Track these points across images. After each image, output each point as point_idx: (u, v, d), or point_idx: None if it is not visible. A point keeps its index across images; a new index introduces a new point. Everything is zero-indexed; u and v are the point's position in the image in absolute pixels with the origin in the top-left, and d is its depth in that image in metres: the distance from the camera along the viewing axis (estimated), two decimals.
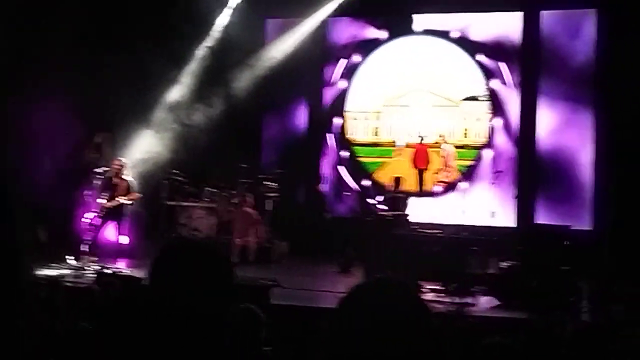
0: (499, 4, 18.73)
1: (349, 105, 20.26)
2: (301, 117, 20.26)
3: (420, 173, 18.71)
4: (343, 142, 20.22)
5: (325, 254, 16.76)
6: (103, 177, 15.41)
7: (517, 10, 18.72)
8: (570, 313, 11.84)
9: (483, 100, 19.17)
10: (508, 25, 18.83)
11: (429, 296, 12.63)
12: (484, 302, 12.82)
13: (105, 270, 13.92)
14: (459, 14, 19.17)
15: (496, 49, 18.90)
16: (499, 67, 18.89)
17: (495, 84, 18.95)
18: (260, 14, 19.24)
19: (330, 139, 20.22)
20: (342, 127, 20.26)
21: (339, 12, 19.57)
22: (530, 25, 18.54)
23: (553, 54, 18.21)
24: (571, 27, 18.18)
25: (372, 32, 20.05)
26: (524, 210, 17.76)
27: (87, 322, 7.26)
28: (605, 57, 17.27)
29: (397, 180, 16.44)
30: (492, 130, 19.03)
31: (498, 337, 4.95)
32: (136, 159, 17.47)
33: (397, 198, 15.71)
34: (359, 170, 19.85)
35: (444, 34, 19.45)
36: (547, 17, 18.42)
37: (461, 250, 13.37)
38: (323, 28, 19.87)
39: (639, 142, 15.50)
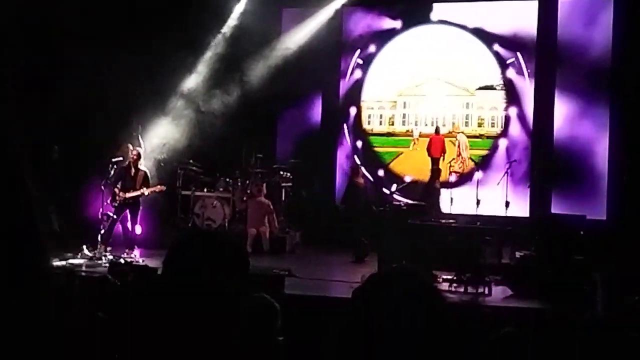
0: None
1: (365, 95, 20.26)
2: (316, 107, 20.26)
3: (437, 162, 18.70)
4: (358, 132, 20.21)
5: (339, 243, 16.77)
6: (119, 167, 15.46)
7: None
8: (585, 303, 11.82)
9: (498, 90, 19.13)
10: (524, 15, 18.75)
11: (443, 286, 12.63)
12: (498, 292, 12.81)
13: (120, 260, 14.01)
14: (475, 2, 19.11)
15: (512, 39, 18.85)
16: (515, 57, 18.83)
17: (511, 73, 18.90)
18: (276, 3, 19.20)
19: (346, 129, 20.22)
20: (358, 117, 20.26)
21: (354, 2, 19.55)
22: (546, 14, 18.46)
23: (569, 44, 18.14)
24: (588, 15, 18.09)
25: (387, 22, 20.02)
26: (538, 200, 17.73)
27: (101, 312, 7.30)
28: (622, 46, 17.20)
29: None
30: (507, 120, 18.99)
31: (510, 327, 4.95)
32: (152, 148, 17.53)
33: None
34: (374, 160, 19.84)
35: (459, 24, 19.39)
36: (564, 6, 18.33)
37: (475, 240, 13.33)
38: (338, 18, 19.83)
39: None
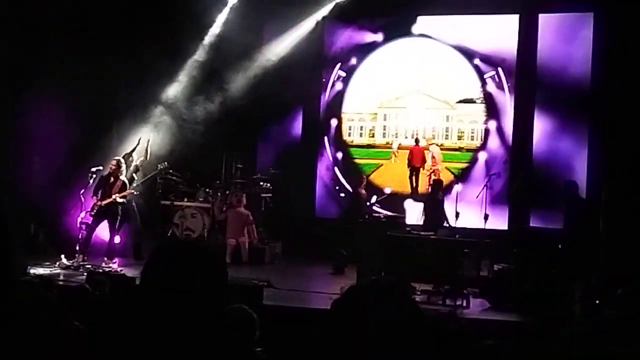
0: (497, 6, 18.71)
1: (345, 107, 20.30)
2: (297, 118, 20.26)
3: (416, 172, 18.77)
4: (339, 143, 20.24)
5: (319, 255, 16.76)
6: (98, 176, 15.43)
7: (514, 13, 18.75)
8: (563, 316, 11.86)
9: (478, 103, 19.21)
10: (505, 30, 18.85)
11: (421, 298, 12.66)
12: (476, 305, 12.84)
13: (97, 269, 13.95)
14: (457, 15, 19.17)
15: (493, 54, 18.95)
16: (495, 71, 18.92)
17: (491, 87, 18.99)
18: (259, 14, 19.17)
19: (327, 141, 20.24)
20: (338, 128, 20.29)
21: (336, 15, 19.58)
22: (527, 30, 18.57)
23: (549, 60, 18.24)
24: (568, 33, 18.20)
25: (368, 36, 20.07)
26: (517, 214, 17.79)
27: (79, 322, 7.26)
28: (601, 64, 17.31)
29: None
30: (486, 133, 19.07)
31: (490, 340, 4.95)
32: (132, 157, 17.49)
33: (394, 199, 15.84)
34: (354, 172, 19.85)
35: (440, 39, 19.47)
36: (544, 22, 18.44)
37: (454, 253, 13.36)
38: (319, 31, 19.85)
39: (634, 148, 15.51)
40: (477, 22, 19.17)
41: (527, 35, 18.56)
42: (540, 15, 18.49)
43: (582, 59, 17.88)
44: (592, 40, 17.79)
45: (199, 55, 19.23)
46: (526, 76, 18.58)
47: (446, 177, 18.70)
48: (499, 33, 18.94)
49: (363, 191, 17.06)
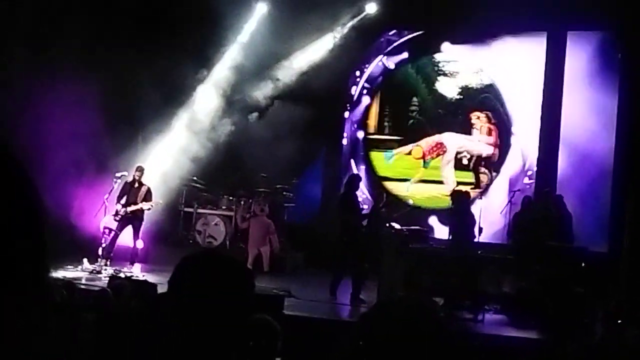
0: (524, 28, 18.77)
1: (371, 122, 20.30)
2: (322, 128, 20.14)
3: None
4: (363, 156, 20.24)
5: (341, 266, 16.74)
6: (122, 181, 15.53)
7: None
8: (584, 335, 11.80)
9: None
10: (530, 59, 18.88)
11: (443, 313, 12.61)
12: (497, 321, 12.80)
13: (119, 274, 14.02)
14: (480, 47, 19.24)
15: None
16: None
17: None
18: (287, 22, 19.11)
19: (349, 152, 20.24)
20: (364, 142, 20.28)
21: (364, 28, 19.53)
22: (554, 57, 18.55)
23: (575, 84, 18.15)
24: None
25: (394, 51, 20.07)
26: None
27: (100, 324, 7.30)
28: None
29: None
30: (508, 148, 19.07)
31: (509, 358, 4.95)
32: (157, 164, 17.56)
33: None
34: (377, 185, 19.78)
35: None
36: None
37: (476, 268, 13.33)
38: (346, 43, 19.73)
39: None
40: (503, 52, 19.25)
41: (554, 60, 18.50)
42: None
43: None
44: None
45: (227, 62, 19.19)
46: (552, 100, 18.51)
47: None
48: (524, 60, 18.94)
49: (382, 209, 16.79)
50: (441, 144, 19.57)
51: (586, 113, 17.86)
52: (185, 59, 17.52)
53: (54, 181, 15.60)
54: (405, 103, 20.11)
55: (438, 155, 19.54)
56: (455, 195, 14.83)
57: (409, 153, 19.94)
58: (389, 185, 19.74)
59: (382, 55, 20.17)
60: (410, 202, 19.03)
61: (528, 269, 13.69)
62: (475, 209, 16.03)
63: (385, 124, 20.35)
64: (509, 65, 19.10)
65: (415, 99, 19.99)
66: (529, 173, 18.68)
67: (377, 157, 20.26)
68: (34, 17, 15.67)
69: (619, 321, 12.33)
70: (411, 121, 20.03)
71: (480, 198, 16.76)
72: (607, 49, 17.72)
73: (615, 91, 17.69)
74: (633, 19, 16.61)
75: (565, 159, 18.20)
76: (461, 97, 19.56)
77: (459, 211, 14.31)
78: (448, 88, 19.69)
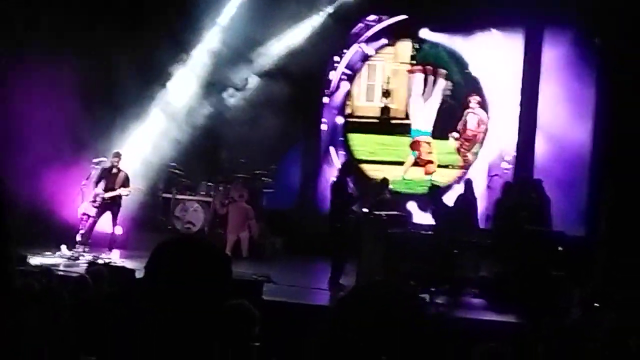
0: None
1: (351, 107, 20.29)
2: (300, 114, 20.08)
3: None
4: (343, 142, 20.22)
5: (319, 251, 16.74)
6: (100, 168, 15.46)
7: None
8: (561, 318, 11.88)
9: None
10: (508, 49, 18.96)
11: (422, 297, 12.66)
12: (476, 305, 12.86)
13: (97, 260, 13.97)
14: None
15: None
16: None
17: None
18: (266, 9, 18.98)
19: (330, 138, 20.22)
20: (344, 127, 20.26)
21: (342, 14, 19.46)
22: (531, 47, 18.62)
23: (553, 73, 18.22)
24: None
25: (373, 35, 20.04)
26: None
27: (78, 311, 7.28)
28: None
29: (385, 180, 16.43)
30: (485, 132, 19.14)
31: (493, 343, 4.97)
32: (135, 149, 17.48)
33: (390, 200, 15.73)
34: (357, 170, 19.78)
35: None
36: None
37: (454, 253, 13.38)
38: (324, 29, 19.63)
39: (634, 160, 15.58)
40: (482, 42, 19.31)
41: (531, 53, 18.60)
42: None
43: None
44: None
45: (206, 46, 19.02)
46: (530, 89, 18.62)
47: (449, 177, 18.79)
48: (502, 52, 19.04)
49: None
50: None
51: (564, 101, 17.93)
52: (163, 42, 17.38)
53: (31, 168, 15.53)
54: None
55: None
56: (432, 190, 15.06)
57: None
58: (367, 168, 19.77)
59: (360, 40, 20.11)
60: (390, 187, 19.03)
61: (506, 253, 13.74)
62: (454, 193, 16.11)
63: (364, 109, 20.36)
64: (487, 53, 19.13)
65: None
66: (507, 158, 18.72)
67: (356, 139, 20.24)
68: (7, 2, 15.58)
69: (596, 304, 12.43)
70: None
71: (459, 183, 16.78)
72: (584, 39, 17.75)
73: (592, 80, 17.77)
74: (607, 14, 16.68)
75: (542, 146, 18.27)
76: None
77: (439, 205, 14.49)
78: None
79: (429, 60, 19.81)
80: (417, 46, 19.90)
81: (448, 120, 19.57)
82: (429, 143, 19.61)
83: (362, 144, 20.17)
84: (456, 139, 19.32)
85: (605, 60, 17.27)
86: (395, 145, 20.04)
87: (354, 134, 20.26)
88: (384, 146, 20.10)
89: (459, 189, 16.33)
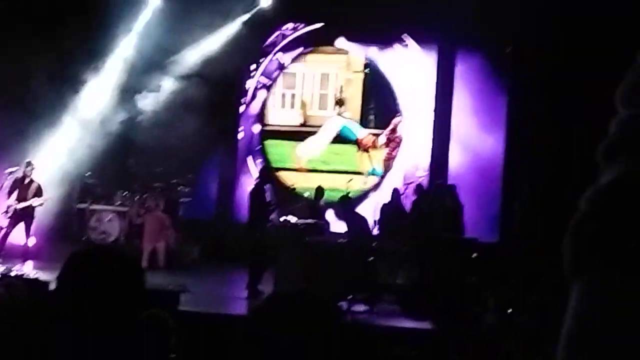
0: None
1: (269, 116, 20.34)
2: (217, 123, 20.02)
3: None
4: (260, 150, 20.22)
5: (237, 260, 16.71)
6: (13, 177, 15.19)
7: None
8: (475, 324, 12.07)
9: (398, 117, 19.48)
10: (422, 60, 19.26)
11: (340, 305, 12.72)
12: (392, 312, 12.97)
13: (9, 273, 13.70)
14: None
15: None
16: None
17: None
18: (181, 17, 18.88)
19: (245, 145, 20.22)
20: (260, 135, 20.27)
21: (258, 21, 19.49)
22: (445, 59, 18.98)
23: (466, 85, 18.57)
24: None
25: (290, 43, 20.11)
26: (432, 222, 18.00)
27: None
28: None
29: (319, 190, 16.51)
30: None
31: (404, 348, 5.04)
32: (48, 159, 17.21)
33: (314, 206, 15.82)
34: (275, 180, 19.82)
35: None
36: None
37: (371, 260, 13.49)
38: (241, 36, 19.62)
39: (544, 166, 15.93)
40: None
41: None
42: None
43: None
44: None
45: (120, 53, 18.85)
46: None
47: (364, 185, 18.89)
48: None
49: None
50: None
51: (476, 112, 18.33)
52: (77, 49, 17.19)
53: None
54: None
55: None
56: (340, 200, 15.18)
57: None
58: (284, 176, 19.81)
59: (277, 50, 20.16)
60: (307, 194, 19.10)
61: (421, 260, 13.89)
62: (369, 203, 16.24)
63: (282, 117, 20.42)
64: (401, 64, 19.38)
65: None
66: (422, 166, 18.95)
67: (272, 146, 20.26)
68: None
69: (509, 310, 12.66)
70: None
71: (375, 191, 16.94)
72: (497, 50, 18.10)
73: (504, 91, 18.13)
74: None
75: (456, 155, 18.58)
76: None
77: (347, 214, 14.61)
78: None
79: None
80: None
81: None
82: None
83: (279, 152, 20.19)
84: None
85: (516, 70, 17.62)
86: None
87: (269, 140, 20.28)
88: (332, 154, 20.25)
89: (377, 197, 16.43)
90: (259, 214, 14.42)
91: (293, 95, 20.41)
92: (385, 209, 15.66)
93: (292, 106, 20.39)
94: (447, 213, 15.48)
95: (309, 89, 20.31)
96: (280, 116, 20.47)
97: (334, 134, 19.90)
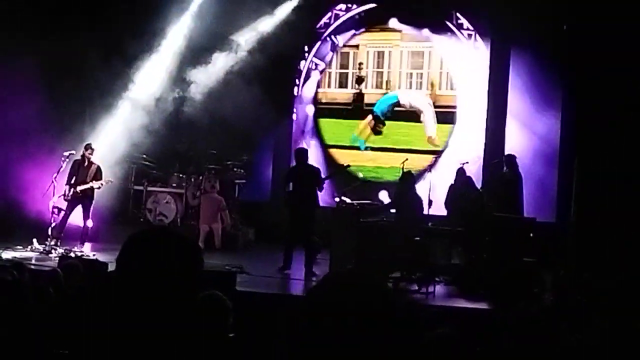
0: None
1: (322, 95, 20.24)
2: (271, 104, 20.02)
3: None
4: (314, 131, 20.18)
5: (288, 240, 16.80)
6: (71, 160, 15.39)
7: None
8: (533, 304, 11.98)
9: (453, 94, 19.30)
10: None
11: (394, 285, 12.72)
12: (447, 292, 12.94)
13: (69, 254, 13.92)
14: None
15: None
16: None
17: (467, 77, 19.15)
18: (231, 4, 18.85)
19: (300, 128, 20.18)
20: (315, 116, 20.22)
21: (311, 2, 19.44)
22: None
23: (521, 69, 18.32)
24: None
25: (343, 24, 20.02)
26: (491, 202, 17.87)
27: (51, 304, 7.27)
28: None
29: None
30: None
31: (448, 328, 5.02)
32: (106, 142, 17.39)
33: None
34: (330, 161, 19.80)
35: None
36: None
37: (426, 240, 13.44)
38: (293, 19, 19.54)
39: (601, 141, 15.71)
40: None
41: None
42: None
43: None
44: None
45: (174, 37, 18.91)
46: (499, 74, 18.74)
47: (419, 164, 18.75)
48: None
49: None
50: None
51: (533, 91, 18.11)
52: (132, 33, 17.29)
53: (1, 162, 15.46)
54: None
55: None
56: (402, 176, 14.97)
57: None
58: (336, 153, 19.82)
59: (330, 31, 20.10)
60: (360, 175, 19.06)
61: (477, 240, 13.81)
62: (424, 182, 16.14)
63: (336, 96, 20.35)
64: (455, 45, 19.21)
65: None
66: (478, 147, 18.77)
67: (326, 125, 20.24)
68: None
69: (567, 290, 12.56)
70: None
71: (430, 171, 16.83)
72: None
73: (558, 76, 17.88)
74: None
75: (512, 134, 18.36)
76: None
77: (403, 192, 14.46)
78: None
79: None
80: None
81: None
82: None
83: (333, 131, 20.16)
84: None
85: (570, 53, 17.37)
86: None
87: (324, 119, 20.23)
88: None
89: (432, 176, 16.31)
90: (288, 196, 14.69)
91: (347, 75, 20.30)
92: (451, 189, 15.55)
93: (346, 86, 20.27)
94: (507, 184, 15.46)
95: (363, 68, 20.15)
96: (334, 95, 20.37)
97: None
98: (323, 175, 15.10)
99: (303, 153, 15.40)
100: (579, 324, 6.69)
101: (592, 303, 9.74)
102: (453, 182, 15.73)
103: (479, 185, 16.06)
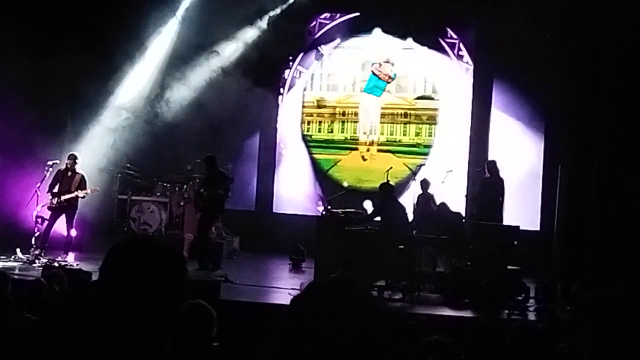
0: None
1: (306, 102, 20.25)
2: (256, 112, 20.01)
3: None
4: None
5: (277, 250, 16.80)
6: (55, 170, 15.34)
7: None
8: (517, 312, 12.02)
9: (436, 100, 19.35)
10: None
11: (379, 293, 12.73)
12: (432, 300, 12.94)
13: (53, 263, 13.87)
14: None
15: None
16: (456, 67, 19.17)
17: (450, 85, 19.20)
18: (211, 15, 18.83)
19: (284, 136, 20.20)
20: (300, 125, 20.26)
21: (293, 12, 19.44)
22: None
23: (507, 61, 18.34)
24: None
25: (327, 33, 20.05)
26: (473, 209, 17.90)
27: (34, 314, 7.23)
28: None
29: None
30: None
31: (437, 335, 5.02)
32: (90, 151, 17.33)
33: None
34: (314, 168, 19.85)
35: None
36: None
37: (411, 248, 13.46)
38: (276, 29, 19.54)
39: (586, 149, 15.77)
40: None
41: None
42: None
43: None
44: None
45: (159, 46, 18.87)
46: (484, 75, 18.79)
47: (403, 173, 18.79)
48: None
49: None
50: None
51: (516, 103, 18.26)
52: (117, 40, 17.25)
53: None
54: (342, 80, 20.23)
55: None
56: (380, 187, 15.03)
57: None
58: (321, 157, 19.93)
59: (314, 39, 20.12)
60: (345, 184, 19.11)
61: (462, 248, 13.84)
62: (408, 190, 16.19)
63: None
64: (438, 57, 19.33)
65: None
66: (462, 157, 18.84)
67: (312, 132, 20.30)
68: None
69: (552, 297, 12.60)
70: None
71: (414, 179, 16.84)
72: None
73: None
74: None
75: (496, 146, 18.47)
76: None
77: (384, 202, 14.54)
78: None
79: None
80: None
81: None
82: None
83: (320, 137, 20.20)
84: None
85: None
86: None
87: (310, 126, 20.26)
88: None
89: (415, 185, 16.37)
90: None
91: (329, 84, 20.31)
92: (420, 198, 15.70)
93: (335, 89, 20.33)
94: (489, 186, 15.65)
95: (346, 76, 20.18)
96: (318, 104, 20.38)
97: None
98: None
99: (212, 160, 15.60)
100: (569, 332, 6.71)
101: (580, 312, 9.76)
102: (421, 192, 15.92)
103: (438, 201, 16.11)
